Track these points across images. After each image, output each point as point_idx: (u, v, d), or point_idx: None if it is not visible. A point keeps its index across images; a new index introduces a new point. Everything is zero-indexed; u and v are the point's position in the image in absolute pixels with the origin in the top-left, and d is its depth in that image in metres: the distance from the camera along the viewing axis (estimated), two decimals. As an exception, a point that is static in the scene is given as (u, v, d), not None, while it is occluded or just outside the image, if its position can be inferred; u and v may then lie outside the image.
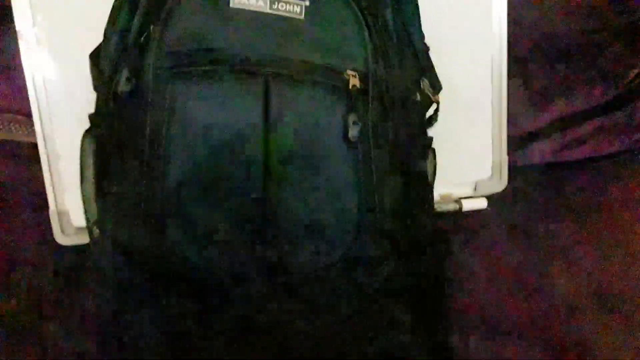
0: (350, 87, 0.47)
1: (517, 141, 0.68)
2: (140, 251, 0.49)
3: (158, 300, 0.50)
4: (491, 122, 0.65)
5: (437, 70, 0.58)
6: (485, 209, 0.65)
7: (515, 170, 0.66)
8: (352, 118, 0.47)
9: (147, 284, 0.51)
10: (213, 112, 0.46)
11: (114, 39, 0.48)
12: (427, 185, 0.55)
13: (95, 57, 0.51)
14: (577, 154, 0.69)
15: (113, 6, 0.49)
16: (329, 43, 0.47)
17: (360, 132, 0.47)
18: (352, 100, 0.47)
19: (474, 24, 0.63)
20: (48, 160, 0.60)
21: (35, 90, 0.59)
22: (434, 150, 0.56)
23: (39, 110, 0.59)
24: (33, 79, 0.58)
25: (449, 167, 0.65)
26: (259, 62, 0.46)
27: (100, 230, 0.52)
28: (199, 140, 0.46)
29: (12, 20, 0.57)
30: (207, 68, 0.46)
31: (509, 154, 0.65)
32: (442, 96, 0.59)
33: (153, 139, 0.46)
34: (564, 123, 0.67)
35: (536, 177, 0.68)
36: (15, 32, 0.57)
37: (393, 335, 0.53)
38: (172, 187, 0.47)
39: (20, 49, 0.58)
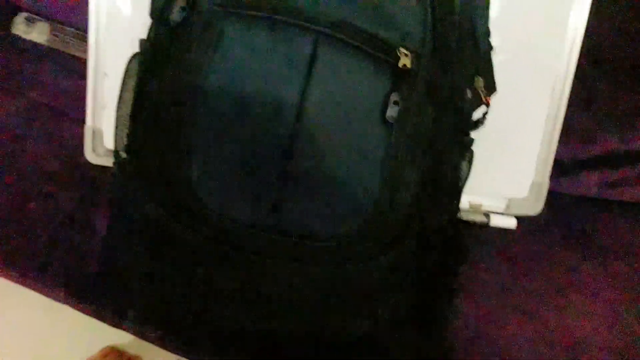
0: (399, 65, 0.45)
1: (563, 167, 0.64)
2: (160, 182, 0.49)
3: (169, 234, 0.50)
4: (540, 140, 0.62)
5: (496, 72, 0.56)
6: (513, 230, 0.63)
7: (553, 196, 0.62)
8: (393, 97, 0.45)
9: (162, 218, 0.51)
10: (256, 59, 0.45)
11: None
12: (457, 186, 0.53)
13: (159, -17, 0.51)
14: (623, 195, 0.65)
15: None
16: (390, 16, 0.46)
17: (399, 113, 0.45)
18: (399, 79, 0.45)
19: (546, 38, 0.60)
20: (94, 77, 0.61)
21: (97, 7, 0.60)
22: (472, 153, 0.53)
23: (96, 27, 0.60)
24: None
25: (485, 177, 0.62)
26: (314, 20, 0.45)
27: (127, 154, 0.52)
28: (236, 82, 0.45)
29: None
30: (260, 14, 0.45)
31: (552, 178, 0.62)
32: (494, 101, 0.57)
33: (192, 73, 0.46)
34: (617, 159, 0.64)
35: (574, 209, 0.64)
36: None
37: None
38: (202, 123, 0.46)
39: (91, -38, 0.59)
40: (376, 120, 0.46)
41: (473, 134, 0.55)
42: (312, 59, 0.45)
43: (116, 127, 0.53)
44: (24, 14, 0.68)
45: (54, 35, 0.68)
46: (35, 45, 0.68)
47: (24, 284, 0.66)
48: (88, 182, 0.64)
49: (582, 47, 0.59)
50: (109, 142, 0.63)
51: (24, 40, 0.68)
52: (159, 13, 0.48)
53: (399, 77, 0.46)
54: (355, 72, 0.46)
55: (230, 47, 0.45)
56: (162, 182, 0.49)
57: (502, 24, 0.59)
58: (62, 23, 0.68)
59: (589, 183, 0.65)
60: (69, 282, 0.65)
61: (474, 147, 0.54)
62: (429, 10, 0.46)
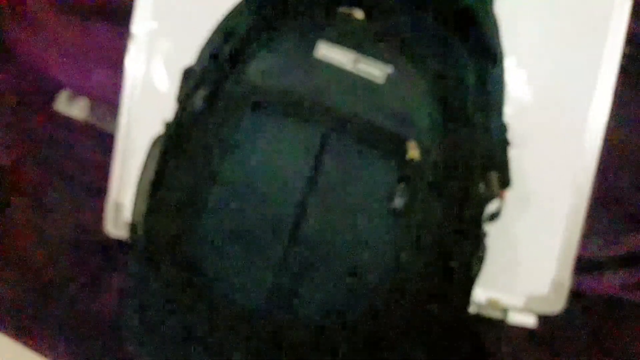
0: (407, 157, 0.46)
1: (585, 264, 0.62)
2: (169, 262, 0.50)
3: (171, 304, 0.51)
4: (562, 237, 0.60)
5: (515, 165, 0.56)
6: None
7: (575, 294, 0.60)
8: (400, 188, 0.46)
9: (166, 289, 0.51)
10: (269, 146, 0.47)
11: (204, 60, 0.51)
12: (467, 281, 0.51)
13: (187, 73, 0.55)
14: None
15: (211, 32, 0.52)
16: (400, 111, 0.47)
17: (406, 205, 0.46)
18: (406, 171, 0.46)
19: (565, 132, 0.60)
20: (122, 153, 0.65)
21: (131, 88, 0.64)
22: (484, 248, 0.52)
23: (128, 106, 0.64)
24: (132, 78, 0.64)
25: (504, 272, 0.61)
26: (326, 112, 0.47)
27: (141, 228, 0.54)
28: (247, 171, 0.47)
29: (129, 22, 0.63)
30: (275, 105, 0.47)
31: (574, 276, 0.60)
32: (513, 195, 0.56)
33: (208, 156, 0.48)
34: (641, 260, 0.61)
35: (597, 309, 0.61)
36: (129, 33, 0.63)
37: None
38: (214, 208, 0.48)
39: (129, 49, 0.63)
40: (383, 210, 0.46)
41: (492, 228, 0.54)
42: (321, 150, 0.46)
43: (135, 203, 0.55)
44: (67, 91, 0.74)
45: (92, 112, 0.72)
46: (74, 120, 0.73)
47: (38, 350, 0.67)
48: (107, 254, 0.66)
49: (604, 144, 0.59)
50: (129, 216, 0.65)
51: (64, 115, 0.72)
52: (183, 99, 0.51)
53: (407, 169, 0.46)
54: (363, 163, 0.47)
55: (245, 136, 0.48)
56: (172, 262, 0.50)
57: (520, 118, 0.60)
58: (101, 100, 0.73)
59: (612, 283, 0.63)
60: (83, 350, 0.65)
61: (493, 241, 0.53)
62: (439, 103, 0.47)
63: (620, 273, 0.62)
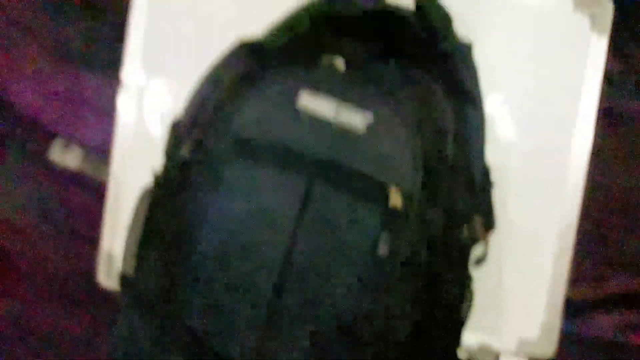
0: (390, 204, 0.46)
1: (575, 307, 0.62)
2: (154, 307, 0.50)
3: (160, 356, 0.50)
4: (549, 279, 0.60)
5: (500, 207, 0.56)
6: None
7: (567, 337, 0.59)
8: (384, 235, 0.46)
9: (155, 342, 0.51)
10: (255, 195, 0.48)
11: (191, 110, 0.52)
12: (456, 325, 0.51)
13: (175, 123, 0.56)
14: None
15: (199, 81, 0.53)
16: (381, 158, 0.48)
17: (390, 251, 0.46)
18: (390, 217, 0.46)
19: (549, 172, 0.61)
20: (113, 202, 0.65)
21: (122, 137, 0.65)
22: (472, 292, 0.52)
23: (119, 156, 0.65)
24: (123, 127, 0.65)
25: (493, 316, 0.61)
26: (310, 160, 0.48)
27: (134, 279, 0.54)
28: (234, 217, 0.48)
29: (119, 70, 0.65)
30: (261, 155, 0.48)
31: (564, 319, 0.60)
32: (500, 237, 0.57)
33: (194, 207, 0.48)
34: (632, 301, 0.61)
35: (589, 353, 0.61)
36: (119, 81, 0.65)
37: None
38: (198, 256, 0.48)
39: (119, 98, 0.65)
40: (368, 257, 0.46)
41: (481, 272, 0.54)
42: (306, 197, 0.47)
43: (125, 254, 0.55)
44: (61, 140, 0.75)
45: (85, 161, 0.73)
46: (67, 170, 0.73)
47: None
48: (99, 305, 0.66)
49: (588, 185, 0.60)
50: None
51: (57, 165, 0.73)
52: (170, 151, 0.52)
53: (390, 215, 0.47)
54: (347, 210, 0.47)
55: (231, 184, 0.48)
56: (161, 314, 0.50)
57: (504, 160, 0.60)
58: (94, 149, 0.74)
59: (604, 325, 0.62)
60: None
61: (482, 285, 0.53)
62: (419, 150, 0.48)
63: (612, 315, 0.62)
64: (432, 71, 0.53)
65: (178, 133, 0.53)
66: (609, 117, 0.61)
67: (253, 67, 0.52)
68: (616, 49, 0.61)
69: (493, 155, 0.57)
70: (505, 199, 0.59)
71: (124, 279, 0.54)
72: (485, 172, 0.55)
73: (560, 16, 0.61)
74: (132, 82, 0.65)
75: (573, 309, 0.62)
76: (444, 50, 0.52)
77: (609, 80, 0.61)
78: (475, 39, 0.56)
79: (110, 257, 0.65)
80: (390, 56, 0.53)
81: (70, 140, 0.74)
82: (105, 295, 0.65)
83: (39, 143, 0.73)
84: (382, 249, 0.46)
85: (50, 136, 0.73)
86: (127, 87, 0.65)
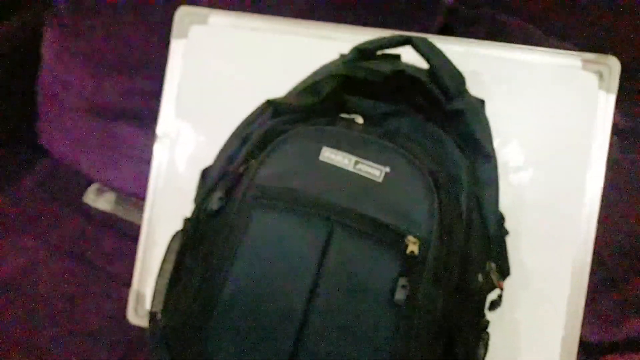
0: (407, 252, 0.49)
1: (590, 349, 0.63)
2: (183, 350, 0.53)
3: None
4: (563, 324, 0.62)
5: (514, 255, 0.58)
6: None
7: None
8: (402, 282, 0.48)
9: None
10: (279, 242, 0.50)
11: (220, 163, 0.56)
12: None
13: (205, 174, 0.60)
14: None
15: (229, 137, 0.58)
16: (398, 208, 0.50)
17: (408, 297, 0.48)
18: (407, 265, 0.49)
19: (561, 219, 0.63)
20: (145, 244, 0.69)
21: (156, 184, 0.69)
22: (488, 336, 0.54)
23: (152, 201, 0.69)
24: (157, 175, 0.69)
25: (510, 358, 0.62)
26: (330, 209, 0.50)
27: (162, 318, 0.57)
28: (261, 262, 0.50)
29: (151, 123, 0.70)
30: (285, 204, 0.51)
31: (579, 360, 0.61)
32: (515, 281, 0.59)
33: (221, 253, 0.51)
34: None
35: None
36: (154, 134, 0.70)
37: None
38: (224, 301, 0.51)
39: (154, 149, 0.70)
40: (385, 303, 0.48)
41: (496, 315, 0.56)
42: (326, 244, 0.49)
43: (154, 294, 0.58)
44: (96, 185, 0.80)
45: (118, 204, 0.78)
46: (101, 213, 0.78)
47: None
48: (128, 342, 0.69)
49: (600, 229, 0.62)
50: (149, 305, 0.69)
51: (93, 208, 0.78)
52: (200, 200, 0.56)
53: (407, 262, 0.49)
54: (366, 257, 0.49)
55: (256, 232, 0.51)
56: (188, 355, 0.52)
57: (517, 209, 0.63)
58: (127, 194, 0.79)
59: (619, 369, 0.63)
60: None
61: (498, 328, 0.55)
62: (436, 207, 0.50)
63: (625, 357, 0.63)
64: (446, 127, 0.56)
65: (208, 182, 0.57)
66: (618, 166, 0.63)
67: (278, 124, 0.55)
68: (624, 104, 0.63)
69: (507, 204, 0.59)
70: (520, 244, 0.62)
71: (152, 317, 0.57)
72: (499, 221, 0.58)
73: (570, 73, 0.65)
74: (167, 133, 0.70)
75: (586, 350, 0.63)
76: (457, 107, 0.56)
77: (617, 133, 0.63)
78: (488, 95, 0.59)
79: (139, 296, 0.69)
80: (406, 114, 0.56)
81: (105, 185, 0.79)
82: (135, 333, 0.69)
83: (76, 189, 0.78)
84: (400, 294, 0.48)
85: (87, 183, 0.78)
86: (162, 138, 0.70)
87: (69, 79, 0.81)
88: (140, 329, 0.68)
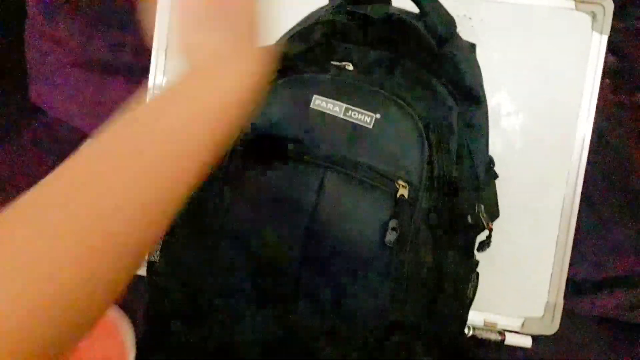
0: (397, 195, 0.50)
1: (580, 287, 0.65)
2: (182, 297, 0.55)
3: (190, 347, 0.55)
4: (553, 261, 0.64)
5: (504, 196, 0.59)
6: (528, 349, 0.63)
7: (571, 316, 0.63)
8: (392, 224, 0.49)
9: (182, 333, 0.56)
10: (273, 190, 0.52)
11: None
12: (462, 308, 0.55)
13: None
14: (641, 317, 0.64)
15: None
16: (389, 153, 0.51)
17: (398, 239, 0.50)
18: (397, 208, 0.50)
19: (551, 161, 0.64)
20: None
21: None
22: (477, 275, 0.56)
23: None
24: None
25: (499, 296, 0.65)
26: (322, 155, 0.51)
27: (160, 268, 0.58)
28: (256, 210, 0.52)
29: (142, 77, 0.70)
30: (277, 150, 0.52)
31: (566, 298, 0.63)
32: (505, 223, 0.60)
33: (218, 200, 0.53)
34: (637, 281, 0.64)
35: (592, 331, 0.64)
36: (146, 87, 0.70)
37: None
38: (222, 241, 0.52)
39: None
40: (377, 244, 0.50)
41: (487, 255, 0.58)
42: (319, 190, 0.51)
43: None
44: (91, 140, 0.80)
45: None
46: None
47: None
48: (127, 291, 0.71)
49: (590, 171, 0.63)
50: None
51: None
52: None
53: (398, 205, 0.50)
54: (358, 201, 0.51)
55: (250, 180, 0.52)
56: (185, 297, 0.54)
57: (509, 152, 0.64)
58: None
59: (607, 305, 0.65)
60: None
61: (489, 267, 0.57)
62: (426, 151, 0.51)
63: (614, 295, 0.65)
64: (437, 72, 0.56)
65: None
66: (609, 108, 0.64)
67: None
68: (615, 45, 0.63)
69: (497, 147, 0.60)
70: (509, 187, 0.63)
71: (150, 267, 0.58)
72: (489, 165, 0.59)
73: (562, 14, 0.64)
74: (158, 85, 0.70)
75: (576, 289, 0.65)
76: (448, 51, 0.56)
77: (609, 74, 0.63)
78: (479, 39, 0.59)
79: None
80: (396, 60, 0.56)
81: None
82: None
83: (74, 144, 0.78)
84: (390, 236, 0.49)
85: (83, 138, 0.79)
86: (153, 91, 0.70)
87: (56, 35, 0.80)
88: (138, 278, 0.69)
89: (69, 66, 0.80)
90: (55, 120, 0.82)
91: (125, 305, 0.74)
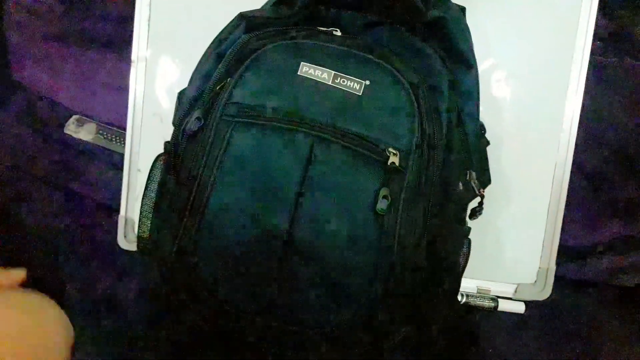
0: (388, 163, 0.49)
1: (571, 253, 0.65)
2: (172, 269, 0.54)
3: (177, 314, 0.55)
4: (544, 227, 0.64)
5: (496, 164, 0.59)
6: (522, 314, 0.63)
7: (563, 281, 0.63)
8: (383, 192, 0.49)
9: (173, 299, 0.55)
10: (260, 158, 0.50)
11: (196, 83, 0.55)
12: (454, 274, 0.55)
13: (181, 96, 0.59)
14: (634, 280, 0.65)
15: (203, 55, 0.56)
16: (379, 120, 0.50)
17: (389, 207, 0.49)
18: (388, 176, 0.49)
19: (542, 127, 0.63)
20: (129, 172, 0.69)
21: (134, 111, 0.68)
22: (469, 242, 0.56)
23: (132, 128, 0.68)
24: (134, 101, 0.68)
25: (492, 263, 0.65)
26: (311, 124, 0.50)
27: (150, 241, 0.58)
28: (243, 179, 0.51)
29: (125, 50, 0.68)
30: (264, 122, 0.51)
31: (558, 264, 0.63)
32: (497, 190, 0.60)
33: (205, 171, 0.52)
34: (627, 245, 0.64)
35: (583, 296, 0.65)
36: (129, 60, 0.68)
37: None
38: (208, 221, 0.52)
39: (131, 75, 0.68)
40: (368, 212, 0.49)
41: (480, 222, 0.58)
42: (308, 159, 0.50)
43: (140, 218, 0.59)
44: (76, 116, 0.78)
45: (99, 134, 0.77)
46: (83, 143, 0.77)
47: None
48: (120, 266, 0.71)
49: (581, 136, 0.62)
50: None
51: (74, 138, 0.77)
52: (179, 121, 0.55)
53: (388, 173, 0.50)
54: (348, 170, 0.50)
55: (237, 150, 0.51)
56: (175, 268, 0.54)
57: (498, 117, 0.63)
58: (107, 124, 0.78)
59: (598, 269, 0.65)
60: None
61: (481, 234, 0.56)
62: (416, 118, 0.50)
63: (604, 259, 0.65)
64: (426, 36, 0.55)
65: (185, 103, 0.56)
66: (600, 72, 0.63)
67: (253, 39, 0.54)
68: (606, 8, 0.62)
69: (488, 113, 0.59)
70: (501, 154, 0.62)
71: (141, 240, 0.58)
72: (480, 131, 0.58)
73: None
74: (141, 57, 0.68)
75: (568, 254, 0.65)
76: (437, 14, 0.54)
77: (600, 39, 0.62)
78: (469, 2, 0.57)
79: (127, 221, 0.70)
80: (385, 25, 0.55)
81: (86, 116, 0.78)
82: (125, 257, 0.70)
83: (58, 121, 0.77)
84: (381, 204, 0.49)
85: (68, 114, 0.77)
86: (137, 63, 0.68)
87: (34, 6, 0.77)
88: (131, 253, 0.69)
89: (48, 39, 0.78)
90: (37, 96, 0.80)
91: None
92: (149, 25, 0.67)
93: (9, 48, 0.79)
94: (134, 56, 0.68)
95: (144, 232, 0.58)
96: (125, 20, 0.69)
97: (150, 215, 0.57)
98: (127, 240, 0.69)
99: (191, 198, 0.52)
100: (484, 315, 0.65)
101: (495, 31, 0.64)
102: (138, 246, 0.58)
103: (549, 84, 0.63)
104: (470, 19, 0.57)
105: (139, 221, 0.58)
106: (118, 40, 0.74)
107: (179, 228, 0.52)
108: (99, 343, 0.71)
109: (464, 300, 0.63)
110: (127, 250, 0.69)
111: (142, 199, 0.57)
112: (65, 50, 0.78)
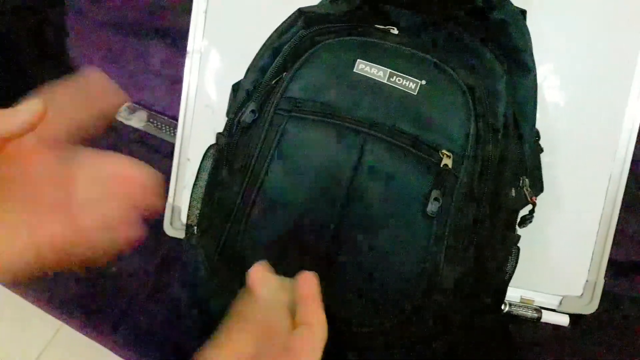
0: (441, 165, 0.49)
1: (619, 267, 0.63)
2: (218, 258, 0.55)
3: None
4: (595, 239, 0.62)
5: (549, 172, 0.58)
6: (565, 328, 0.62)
7: (610, 296, 0.61)
8: (434, 194, 0.48)
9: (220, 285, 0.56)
10: (312, 154, 0.51)
11: (252, 76, 0.56)
12: (500, 283, 0.54)
13: (236, 88, 0.59)
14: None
15: (260, 49, 0.57)
16: (433, 121, 0.50)
17: (440, 209, 0.49)
18: (440, 177, 0.49)
19: (599, 135, 0.62)
20: (179, 160, 0.70)
21: (187, 102, 0.69)
22: (518, 250, 0.55)
23: (184, 118, 0.70)
24: (187, 93, 0.69)
25: (538, 273, 0.63)
26: (364, 122, 0.50)
27: (198, 230, 0.59)
28: (294, 173, 0.51)
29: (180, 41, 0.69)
30: (318, 117, 0.51)
31: (607, 278, 0.62)
32: (548, 199, 0.59)
33: (257, 162, 0.52)
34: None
35: (630, 312, 0.63)
36: (184, 51, 0.69)
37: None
38: (260, 206, 0.52)
39: (185, 66, 0.69)
40: (418, 214, 0.49)
41: (529, 231, 0.57)
42: (360, 157, 0.50)
43: (190, 206, 0.60)
44: (127, 104, 0.80)
45: (149, 122, 0.78)
46: (134, 130, 0.79)
47: (98, 341, 0.73)
48: (165, 252, 0.72)
49: (637, 150, 0.60)
50: (185, 218, 0.71)
51: (125, 125, 0.79)
52: (233, 113, 0.56)
53: (441, 175, 0.49)
54: (399, 169, 0.49)
55: (290, 144, 0.51)
56: (220, 258, 0.54)
57: (554, 125, 0.62)
58: (158, 112, 0.79)
59: (647, 286, 0.64)
60: (141, 342, 0.71)
61: (529, 244, 0.55)
62: (472, 120, 0.50)
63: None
64: (485, 38, 0.54)
65: (240, 95, 0.57)
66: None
67: (310, 35, 0.54)
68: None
69: (543, 121, 0.58)
70: (555, 162, 0.61)
71: (188, 230, 0.59)
72: (535, 136, 0.57)
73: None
74: (197, 49, 0.69)
75: (616, 269, 0.63)
76: (498, 17, 0.53)
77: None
78: (530, 6, 0.56)
79: (175, 209, 0.71)
80: (443, 25, 0.54)
81: (137, 104, 0.80)
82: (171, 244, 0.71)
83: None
84: (432, 206, 0.48)
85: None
86: (192, 54, 0.69)
87: (96, -4, 0.80)
88: (176, 240, 0.70)
89: (106, 26, 0.80)
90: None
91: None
92: (205, 17, 0.68)
93: (68, 33, 0.82)
94: (189, 47, 0.69)
95: (192, 220, 0.59)
96: (183, 12, 0.70)
97: (200, 204, 0.58)
98: (173, 227, 0.71)
99: (242, 189, 0.53)
100: (526, 326, 0.64)
101: (554, 34, 0.63)
102: (186, 234, 0.59)
103: (608, 91, 0.62)
104: (529, 21, 0.56)
105: (189, 209, 0.59)
106: (174, 31, 0.75)
107: (229, 218, 0.53)
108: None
109: (506, 309, 0.62)
110: (171, 237, 0.70)
111: (193, 187, 0.58)
112: (122, 39, 0.80)
